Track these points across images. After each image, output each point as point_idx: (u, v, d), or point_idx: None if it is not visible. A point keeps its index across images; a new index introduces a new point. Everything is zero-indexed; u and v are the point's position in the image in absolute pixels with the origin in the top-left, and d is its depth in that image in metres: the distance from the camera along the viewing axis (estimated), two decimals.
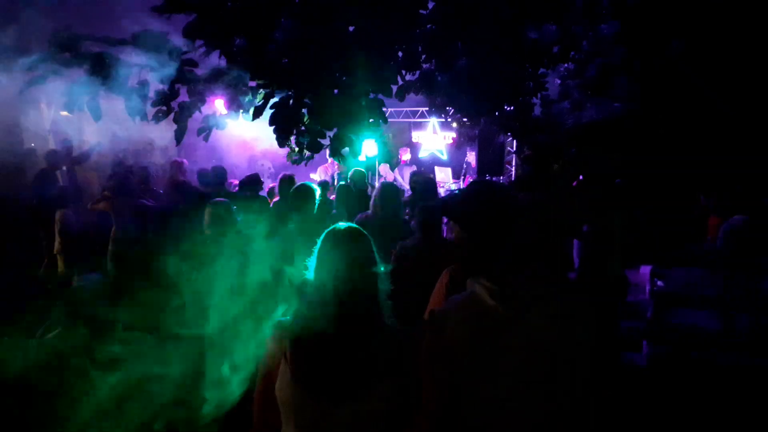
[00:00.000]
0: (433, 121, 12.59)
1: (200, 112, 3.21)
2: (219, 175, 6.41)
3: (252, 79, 3.26)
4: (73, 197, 6.55)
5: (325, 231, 1.79)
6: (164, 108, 3.09)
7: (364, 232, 1.81)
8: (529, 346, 1.55)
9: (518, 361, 1.55)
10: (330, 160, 9.78)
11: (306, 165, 4.35)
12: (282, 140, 3.61)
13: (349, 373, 1.64)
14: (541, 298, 1.58)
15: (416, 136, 13.59)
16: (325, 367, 1.65)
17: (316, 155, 4.18)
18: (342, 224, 1.82)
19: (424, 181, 6.65)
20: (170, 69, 2.93)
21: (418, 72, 4.21)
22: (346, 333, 1.67)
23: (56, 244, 6.38)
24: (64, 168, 7.81)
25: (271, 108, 3.41)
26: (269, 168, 11.42)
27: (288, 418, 1.67)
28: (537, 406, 1.55)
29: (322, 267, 1.73)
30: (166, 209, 5.84)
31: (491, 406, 1.58)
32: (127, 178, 6.48)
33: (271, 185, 7.90)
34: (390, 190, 4.85)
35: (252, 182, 6.50)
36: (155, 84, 2.95)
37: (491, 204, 1.66)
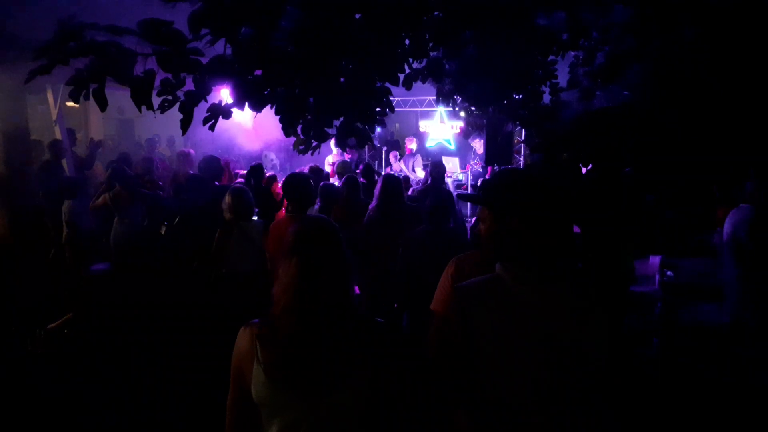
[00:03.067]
0: (441, 110, 12.54)
1: (206, 101, 3.18)
2: (211, 165, 6.29)
3: (258, 68, 3.23)
4: (79, 188, 6.57)
5: (297, 226, 1.76)
6: (170, 97, 3.06)
7: (333, 224, 1.79)
8: (549, 333, 1.57)
9: (536, 346, 1.57)
10: (336, 149, 9.78)
11: (312, 155, 4.34)
12: (288, 130, 3.59)
13: (322, 367, 1.64)
14: (565, 288, 1.59)
15: (423, 125, 13.55)
16: (297, 364, 1.64)
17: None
18: (311, 218, 1.81)
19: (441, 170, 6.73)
20: (176, 58, 2.90)
21: (425, 60, 4.17)
22: (317, 329, 1.66)
23: (64, 235, 6.40)
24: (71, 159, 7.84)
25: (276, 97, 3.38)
26: (272, 159, 11.43)
27: (269, 418, 1.67)
28: (549, 391, 1.57)
29: (290, 265, 1.69)
30: (166, 200, 5.88)
31: (506, 388, 1.59)
32: (123, 170, 6.50)
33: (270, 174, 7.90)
34: (392, 182, 4.90)
35: (255, 173, 6.54)
36: (161, 73, 2.92)
37: (528, 191, 1.65)
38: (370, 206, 5.09)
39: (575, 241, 4.43)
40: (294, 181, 4.62)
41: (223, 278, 4.35)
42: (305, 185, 4.59)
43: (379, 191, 4.97)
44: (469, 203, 10.40)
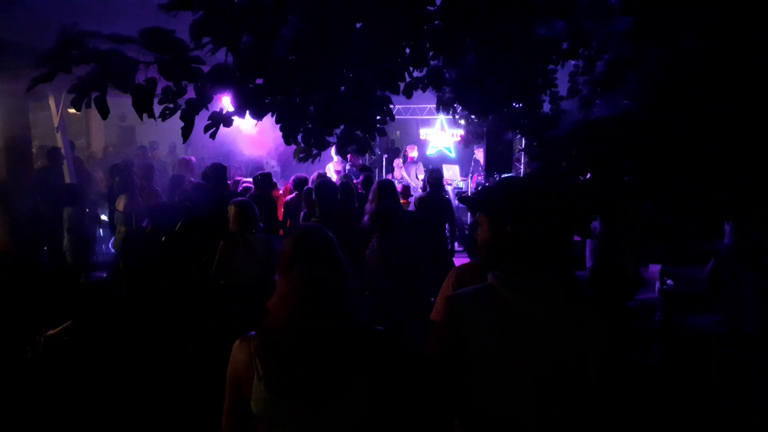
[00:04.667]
0: (441, 118, 12.57)
1: (207, 109, 3.19)
2: (218, 173, 6.33)
3: (259, 77, 3.25)
4: (79, 195, 6.57)
5: (290, 234, 1.75)
6: (171, 105, 3.07)
7: (328, 234, 1.76)
8: (540, 341, 1.56)
9: (528, 355, 1.56)
10: (337, 157, 9.80)
11: (313, 162, 4.36)
12: (289, 138, 3.60)
13: (322, 378, 1.62)
14: (556, 295, 1.58)
15: (424, 133, 13.58)
16: (298, 375, 1.62)
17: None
18: (309, 227, 1.79)
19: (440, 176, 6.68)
20: (177, 66, 2.92)
21: (425, 69, 4.18)
22: (316, 340, 1.64)
23: (64, 242, 6.40)
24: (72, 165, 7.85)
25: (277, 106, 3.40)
26: (273, 166, 11.43)
27: (269, 430, 1.66)
28: (542, 400, 1.56)
29: (290, 275, 1.67)
30: (167, 206, 5.89)
31: (498, 397, 1.58)
32: (129, 176, 6.52)
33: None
34: (387, 186, 4.88)
35: (265, 181, 6.51)
36: (162, 81, 2.93)
37: (521, 199, 1.65)
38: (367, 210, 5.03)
39: (570, 250, 4.44)
40: (326, 187, 4.62)
41: (223, 289, 4.33)
42: (334, 191, 4.61)
43: (374, 195, 4.93)
44: (469, 212, 10.42)
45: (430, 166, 12.56)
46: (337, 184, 7.83)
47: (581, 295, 1.62)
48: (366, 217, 4.94)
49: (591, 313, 1.59)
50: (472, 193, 10.49)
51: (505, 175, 9.65)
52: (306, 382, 1.62)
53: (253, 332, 1.72)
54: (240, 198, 4.63)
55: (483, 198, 1.81)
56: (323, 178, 5.52)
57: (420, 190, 9.51)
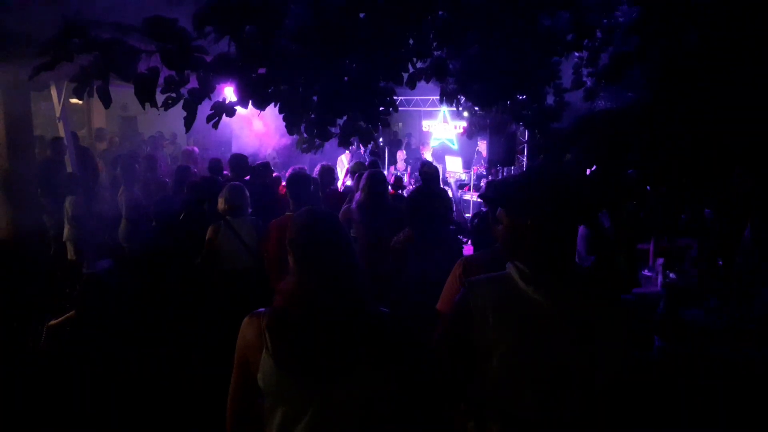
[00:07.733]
0: (444, 110, 12.51)
1: (210, 98, 3.18)
2: (240, 164, 6.37)
3: (262, 67, 3.24)
4: (81, 185, 6.57)
5: (298, 217, 1.79)
6: (174, 95, 3.07)
7: (334, 214, 1.83)
8: (553, 338, 1.54)
9: (538, 350, 1.54)
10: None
11: (315, 153, 4.34)
12: (292, 128, 3.59)
13: (331, 356, 1.65)
14: (571, 288, 1.57)
15: (426, 125, 13.53)
16: (307, 351, 1.65)
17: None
18: (312, 209, 1.83)
19: (434, 170, 6.60)
20: (180, 55, 2.91)
21: (429, 60, 4.16)
22: (326, 318, 1.67)
23: (65, 232, 6.40)
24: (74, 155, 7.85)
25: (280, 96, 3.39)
26: (274, 157, 11.38)
27: (275, 405, 1.69)
28: (544, 397, 1.55)
29: (294, 256, 1.72)
30: (172, 198, 5.89)
31: (498, 388, 1.58)
32: (132, 166, 6.51)
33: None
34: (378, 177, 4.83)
35: (263, 170, 6.50)
36: (164, 70, 2.93)
37: (547, 193, 1.63)
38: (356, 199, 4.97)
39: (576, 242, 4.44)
40: (296, 178, 4.62)
41: (217, 276, 4.31)
42: (307, 183, 4.59)
43: (364, 186, 4.88)
44: (471, 201, 10.42)
45: (420, 159, 12.56)
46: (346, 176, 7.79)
47: (602, 294, 1.59)
48: (353, 204, 4.87)
49: (612, 312, 1.57)
50: (475, 188, 10.49)
51: (534, 164, 9.62)
52: (313, 360, 1.65)
53: (263, 309, 1.75)
54: (234, 182, 4.61)
55: (503, 193, 1.80)
56: (297, 170, 5.48)
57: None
